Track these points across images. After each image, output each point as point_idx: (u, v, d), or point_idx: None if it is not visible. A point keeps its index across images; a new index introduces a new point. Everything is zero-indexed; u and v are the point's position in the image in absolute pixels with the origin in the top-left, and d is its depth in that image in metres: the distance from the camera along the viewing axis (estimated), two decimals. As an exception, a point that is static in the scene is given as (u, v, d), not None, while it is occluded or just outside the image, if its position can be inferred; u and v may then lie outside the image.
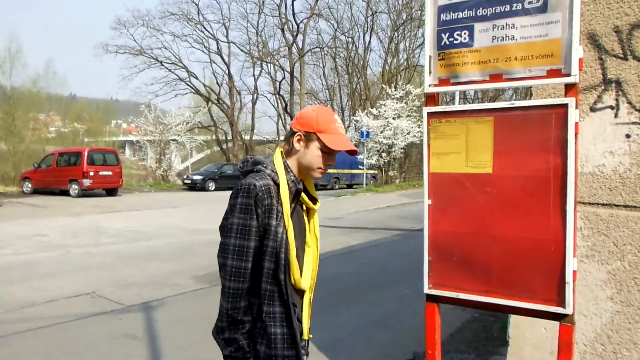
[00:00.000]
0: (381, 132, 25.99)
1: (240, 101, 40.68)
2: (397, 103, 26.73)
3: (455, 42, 2.01)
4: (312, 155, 1.75)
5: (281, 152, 1.80)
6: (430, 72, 2.07)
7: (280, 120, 41.51)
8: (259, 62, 39.53)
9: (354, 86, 41.01)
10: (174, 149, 32.19)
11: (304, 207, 1.87)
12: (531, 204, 1.87)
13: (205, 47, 39.10)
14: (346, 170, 28.13)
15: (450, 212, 2.05)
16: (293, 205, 1.75)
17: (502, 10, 1.91)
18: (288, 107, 38.77)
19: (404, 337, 4.66)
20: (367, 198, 20.65)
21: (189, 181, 25.08)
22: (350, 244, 9.69)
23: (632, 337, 2.20)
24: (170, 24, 50.51)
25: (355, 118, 29.57)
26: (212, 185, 24.50)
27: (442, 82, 2.05)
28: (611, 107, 2.26)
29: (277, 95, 40.36)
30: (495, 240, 1.95)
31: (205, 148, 43.23)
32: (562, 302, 1.83)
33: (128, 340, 4.56)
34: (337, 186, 27.62)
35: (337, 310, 5.51)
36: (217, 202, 18.71)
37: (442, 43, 2.03)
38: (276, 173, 1.72)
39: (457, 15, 2.00)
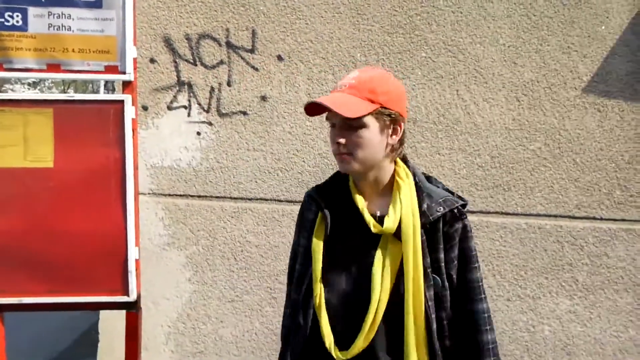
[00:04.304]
0: None
1: None
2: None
3: (6, 23, 1.83)
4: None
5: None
6: (-21, 54, 1.83)
7: None
8: None
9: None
10: None
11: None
12: (93, 198, 1.88)
13: None
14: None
15: (8, 211, 1.87)
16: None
17: (59, -2, 1.84)
18: None
19: None
20: None
21: None
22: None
23: (207, 312, 2.50)
24: None
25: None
26: None
27: (-6, 66, 1.84)
28: (185, 107, 2.50)
29: None
30: (59, 237, 1.88)
31: None
32: (126, 291, 1.90)
33: None
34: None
35: None
36: None
37: (-8, 23, 1.82)
38: None
39: (10, -6, 1.83)
